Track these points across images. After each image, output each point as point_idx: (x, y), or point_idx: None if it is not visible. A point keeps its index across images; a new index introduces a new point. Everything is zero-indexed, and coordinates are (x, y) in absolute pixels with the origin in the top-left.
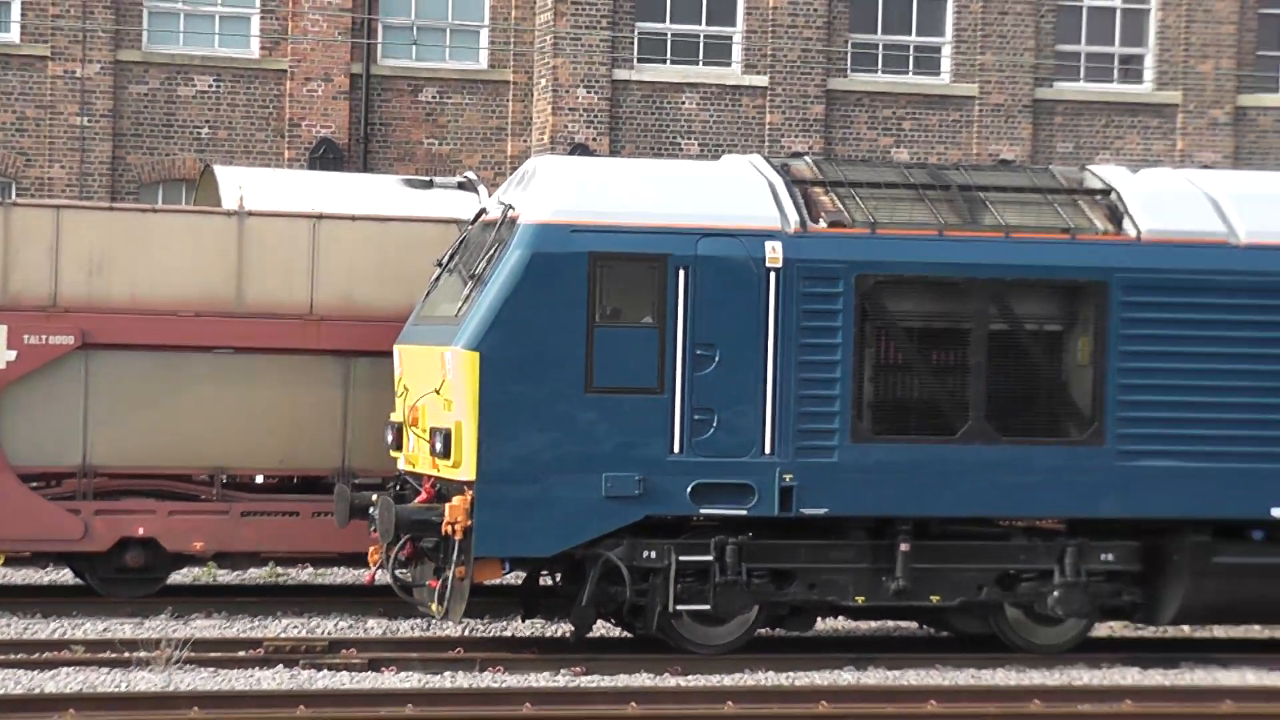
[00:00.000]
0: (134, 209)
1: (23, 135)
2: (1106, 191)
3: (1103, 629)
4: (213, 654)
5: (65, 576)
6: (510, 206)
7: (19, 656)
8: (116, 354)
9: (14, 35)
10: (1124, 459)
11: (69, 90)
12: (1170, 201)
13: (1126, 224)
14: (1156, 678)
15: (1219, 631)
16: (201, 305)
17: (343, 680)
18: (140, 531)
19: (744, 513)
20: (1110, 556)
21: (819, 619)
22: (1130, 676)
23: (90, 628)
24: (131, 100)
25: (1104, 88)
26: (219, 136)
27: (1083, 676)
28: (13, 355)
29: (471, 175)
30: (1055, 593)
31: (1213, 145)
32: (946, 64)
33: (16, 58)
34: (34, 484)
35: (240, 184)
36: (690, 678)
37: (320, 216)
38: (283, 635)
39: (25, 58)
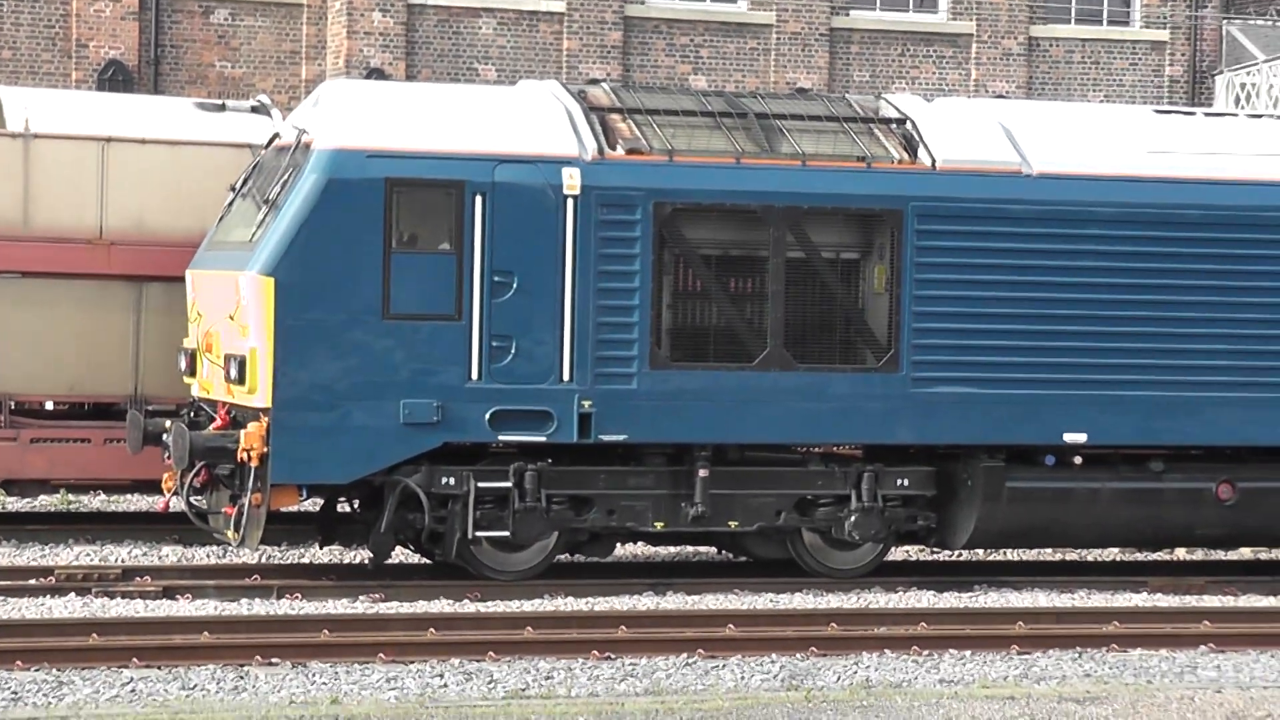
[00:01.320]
0: None
1: None
2: (902, 121)
3: (898, 553)
4: (3, 583)
5: None
6: (304, 131)
7: None
8: None
9: None
10: (919, 386)
11: None
12: (965, 131)
13: (921, 153)
14: (951, 600)
15: (1011, 555)
16: None
17: (137, 608)
18: None
19: (543, 439)
20: (905, 482)
21: (618, 545)
22: (925, 600)
23: None
24: None
25: (900, 17)
26: (3, 57)
27: (879, 600)
28: None
29: (265, 99)
30: (852, 518)
31: (1006, 75)
32: None
33: None
34: None
35: (26, 105)
36: (489, 604)
37: (109, 139)
38: (75, 563)
39: None
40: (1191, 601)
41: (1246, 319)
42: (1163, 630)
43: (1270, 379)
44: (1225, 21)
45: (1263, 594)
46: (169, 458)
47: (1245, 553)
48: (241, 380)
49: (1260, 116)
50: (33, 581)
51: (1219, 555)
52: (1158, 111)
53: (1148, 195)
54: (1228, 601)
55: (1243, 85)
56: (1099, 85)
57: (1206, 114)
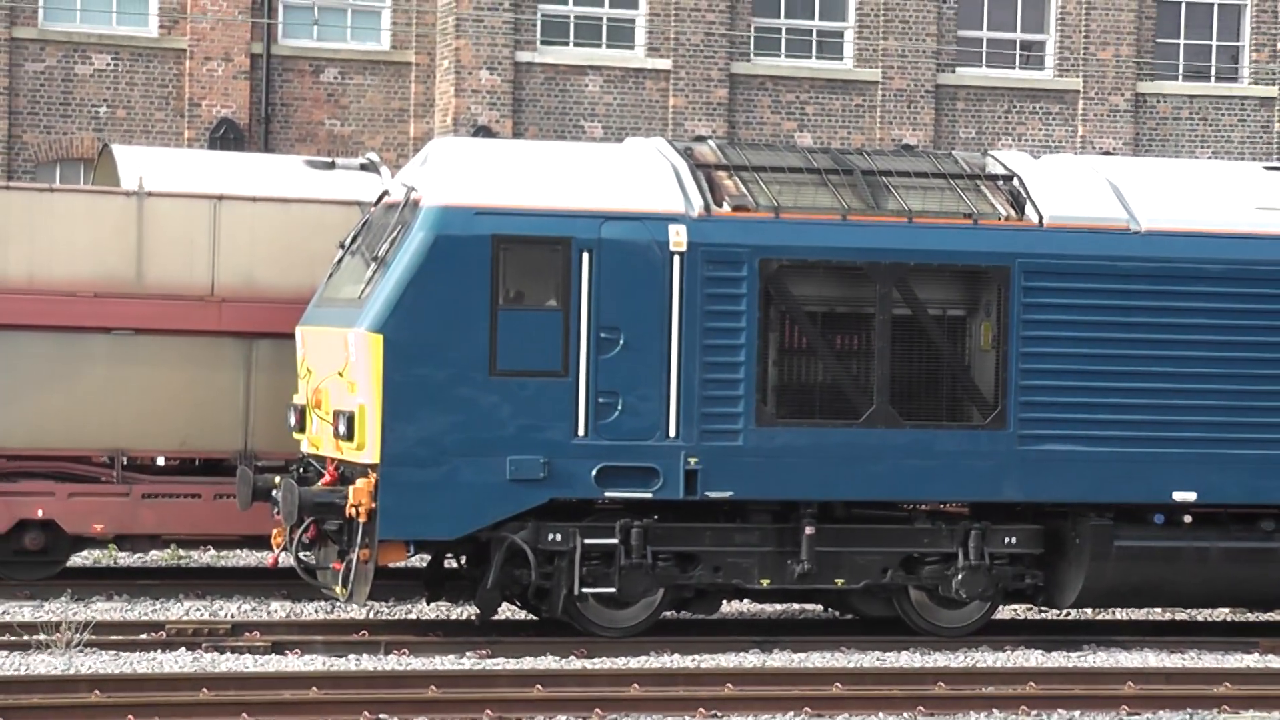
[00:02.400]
0: (31, 188)
1: None
2: (1009, 177)
3: (1006, 611)
4: (114, 637)
5: None
6: (413, 188)
7: None
8: (13, 334)
9: None
10: (1026, 443)
11: None
12: (1072, 187)
13: (1029, 209)
14: (1059, 660)
15: (1120, 614)
16: (100, 286)
17: (246, 663)
18: (39, 514)
19: (649, 496)
20: (1013, 540)
21: (724, 602)
22: (1033, 659)
23: None
24: (28, 78)
25: (1005, 74)
26: (117, 116)
27: (986, 659)
28: None
29: (374, 157)
30: (959, 575)
31: (1113, 132)
32: (849, 49)
33: None
34: None
35: (139, 164)
36: (595, 660)
37: (221, 197)
38: (185, 618)
39: None
40: None
41: None
42: (1275, 692)
43: None
44: None
45: None
46: (278, 513)
47: None
48: (350, 436)
49: None
50: (144, 636)
51: None
52: (1267, 168)
53: (1256, 252)
54: None
55: None
56: (1206, 142)
57: None
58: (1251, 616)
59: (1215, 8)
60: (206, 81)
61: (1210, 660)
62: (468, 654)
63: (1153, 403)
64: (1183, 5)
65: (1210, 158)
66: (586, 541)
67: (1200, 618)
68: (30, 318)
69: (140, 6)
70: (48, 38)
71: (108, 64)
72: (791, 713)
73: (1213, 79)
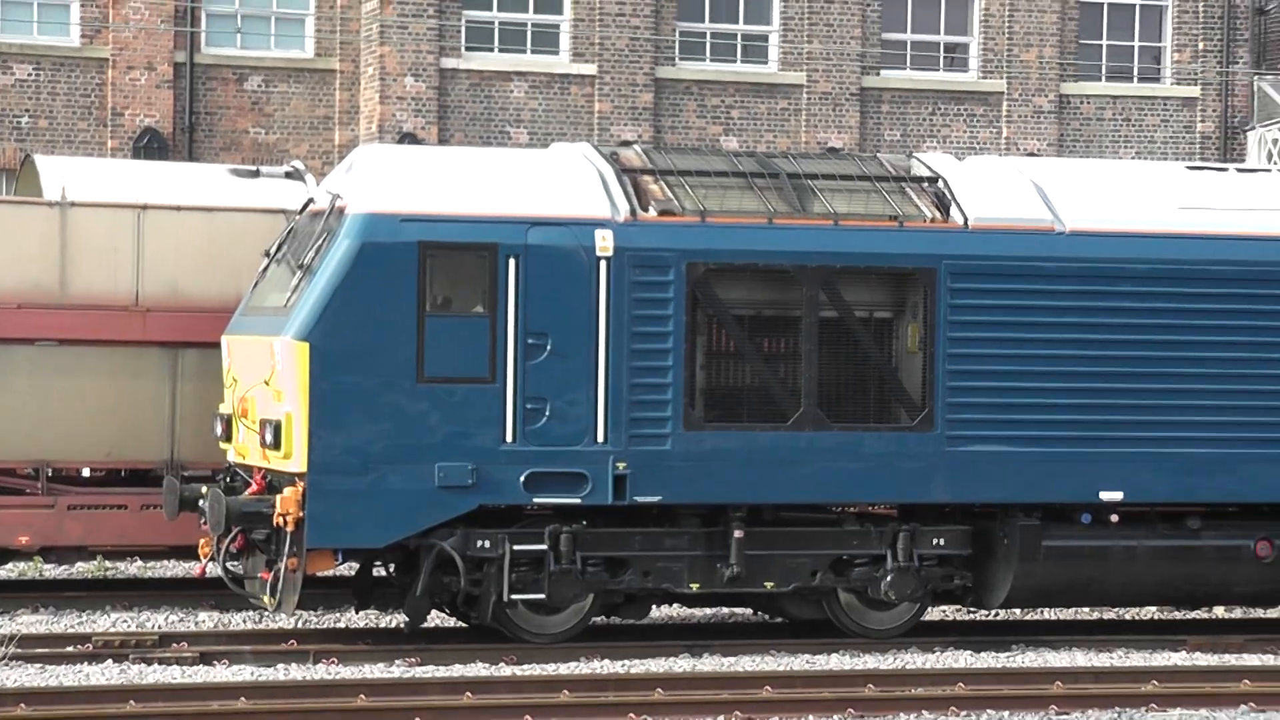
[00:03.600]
0: None
1: None
2: (934, 179)
3: (935, 613)
4: (40, 650)
5: None
6: (338, 196)
7: None
8: None
9: None
10: (954, 444)
11: None
12: (997, 189)
13: (954, 211)
14: (988, 660)
15: (1049, 614)
16: (23, 297)
17: (174, 674)
18: None
19: (578, 501)
20: (941, 541)
21: (654, 606)
22: (963, 660)
23: None
24: None
25: (930, 76)
26: (39, 126)
27: (916, 660)
28: None
29: (299, 164)
30: (888, 577)
31: (1037, 133)
32: (774, 52)
33: None
34: None
35: (62, 174)
36: (525, 667)
37: (145, 207)
38: (112, 630)
39: None
40: (1231, 660)
41: None
42: (1202, 690)
43: None
44: (1256, 77)
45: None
46: (205, 523)
47: None
48: (277, 445)
49: None
50: (70, 649)
51: (1258, 613)
52: (1190, 168)
53: (1181, 251)
54: (1267, 660)
55: (1275, 140)
56: (1130, 142)
57: (1239, 169)
58: (1179, 614)
59: (1137, 9)
60: (129, 91)
61: (1138, 659)
62: (397, 662)
63: (1079, 403)
64: (1105, 6)
65: (1134, 158)
66: (515, 548)
67: (1128, 616)
68: None
69: (62, 16)
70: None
71: (29, 74)
72: (722, 717)
73: (1135, 79)
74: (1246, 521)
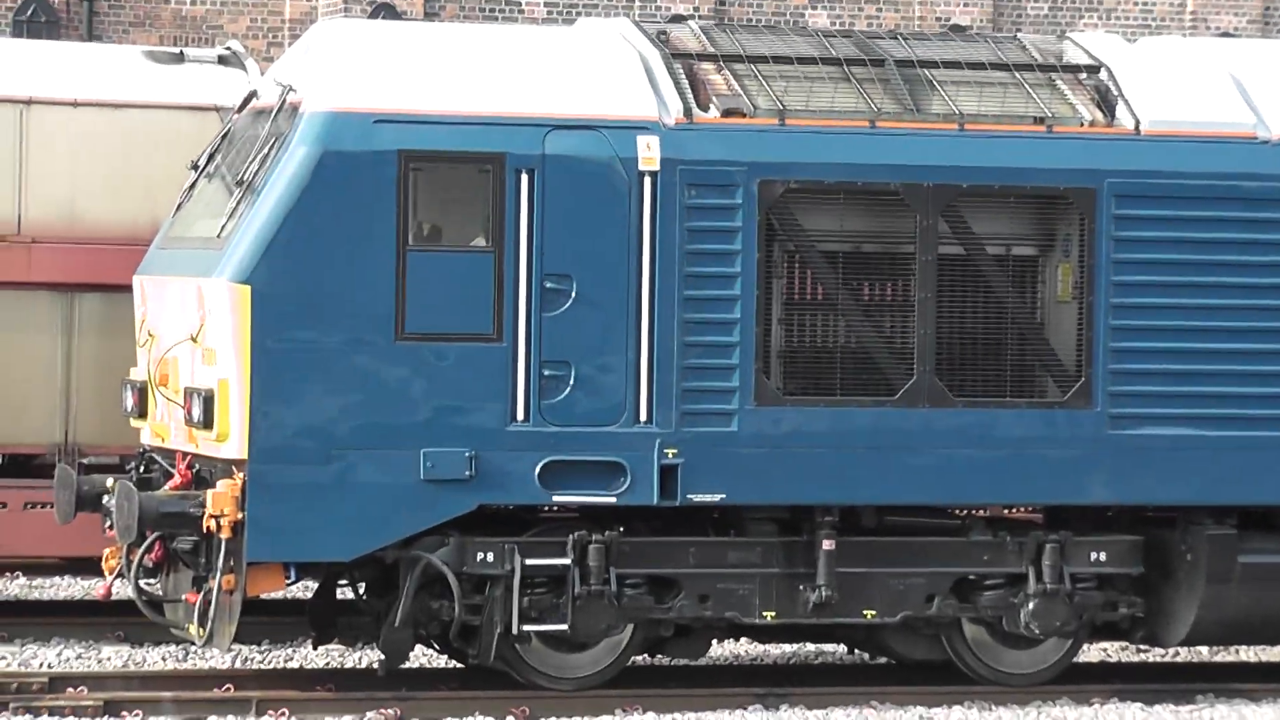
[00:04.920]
0: None
1: None
2: (1095, 69)
3: (1093, 651)
4: None
5: None
6: (291, 88)
7: None
8: None
9: None
10: (1120, 426)
11: None
12: (1180, 83)
13: (1121, 112)
14: (1164, 715)
15: (1245, 654)
16: None
17: None
18: None
19: (612, 500)
20: (1102, 555)
21: (715, 641)
22: (1131, 714)
23: None
24: None
25: None
26: None
27: (1068, 715)
28: None
29: (237, 46)
30: (1029, 605)
31: (1234, 6)
32: None
33: None
34: None
35: None
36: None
37: (30, 101)
38: None
39: None
40: None
41: None
42: None
43: None
44: None
45: None
46: (111, 528)
47: None
48: (208, 423)
49: None
50: None
51: None
52: None
53: None
54: None
55: None
56: None
57: None
58: None
59: None
60: None
61: None
62: (369, 715)
63: None
64: None
65: None
66: (528, 562)
67: None
68: None
69: None
70: None
71: None
72: None
73: None
74: None
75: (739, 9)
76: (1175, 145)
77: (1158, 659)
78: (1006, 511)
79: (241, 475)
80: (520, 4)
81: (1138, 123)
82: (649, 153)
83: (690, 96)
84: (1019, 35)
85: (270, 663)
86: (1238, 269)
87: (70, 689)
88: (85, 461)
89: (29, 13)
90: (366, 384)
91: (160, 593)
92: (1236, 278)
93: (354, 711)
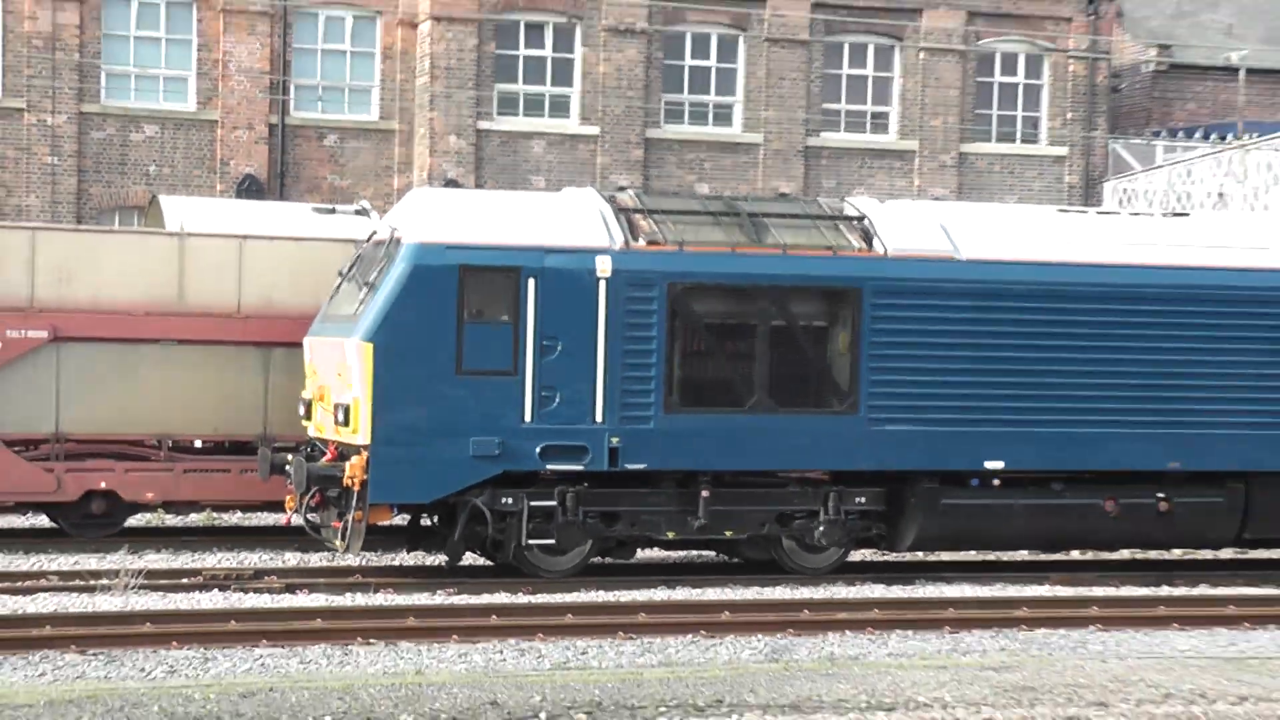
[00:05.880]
0: (94, 230)
1: (3, 172)
2: (860, 218)
3: (856, 555)
4: (162, 581)
5: (42, 520)
6: (396, 229)
7: (4, 585)
8: (82, 345)
9: None
10: (874, 425)
11: (41, 136)
12: (909, 226)
13: (876, 243)
14: (897, 592)
15: (945, 556)
16: (150, 306)
17: (265, 601)
18: (102, 485)
19: (580, 468)
20: (862, 499)
21: (639, 550)
22: (878, 591)
23: (63, 561)
24: (92, 144)
25: (859, 137)
26: (164, 173)
27: (841, 591)
28: None
29: (366, 204)
30: (820, 528)
31: (941, 183)
32: (738, 118)
33: None
34: (16, 448)
35: (181, 211)
36: (539, 596)
37: (245, 237)
38: (217, 566)
39: (4, 109)
40: (1083, 591)
41: (1126, 371)
42: (1061, 614)
43: (1143, 418)
44: (1110, 140)
45: (1139, 585)
46: (291, 483)
47: (1125, 553)
48: (347, 423)
49: (1138, 214)
50: (184, 580)
51: (1105, 555)
52: (1059, 211)
53: (1051, 275)
54: (1111, 591)
55: (1125, 190)
56: (1014, 190)
57: (1098, 212)
58: (1044, 557)
59: (1020, 86)
60: (234, 145)
61: (1012, 590)
62: (439, 592)
63: (971, 392)
64: (995, 84)
65: (1016, 202)
66: (532, 504)
67: (1005, 558)
68: (95, 331)
69: (181, 87)
70: (109, 112)
71: (155, 133)
72: (690, 634)
73: (1018, 141)
74: (1098, 485)
75: (657, 182)
76: (907, 262)
77: (894, 559)
78: (808, 474)
79: (366, 453)
80: (530, 181)
81: (885, 249)
82: (604, 267)
83: (628, 234)
84: (817, 199)
85: (382, 562)
86: (942, 334)
87: (266, 577)
88: (276, 445)
89: (246, 185)
90: (439, 400)
91: (319, 521)
92: (942, 339)
93: (430, 590)
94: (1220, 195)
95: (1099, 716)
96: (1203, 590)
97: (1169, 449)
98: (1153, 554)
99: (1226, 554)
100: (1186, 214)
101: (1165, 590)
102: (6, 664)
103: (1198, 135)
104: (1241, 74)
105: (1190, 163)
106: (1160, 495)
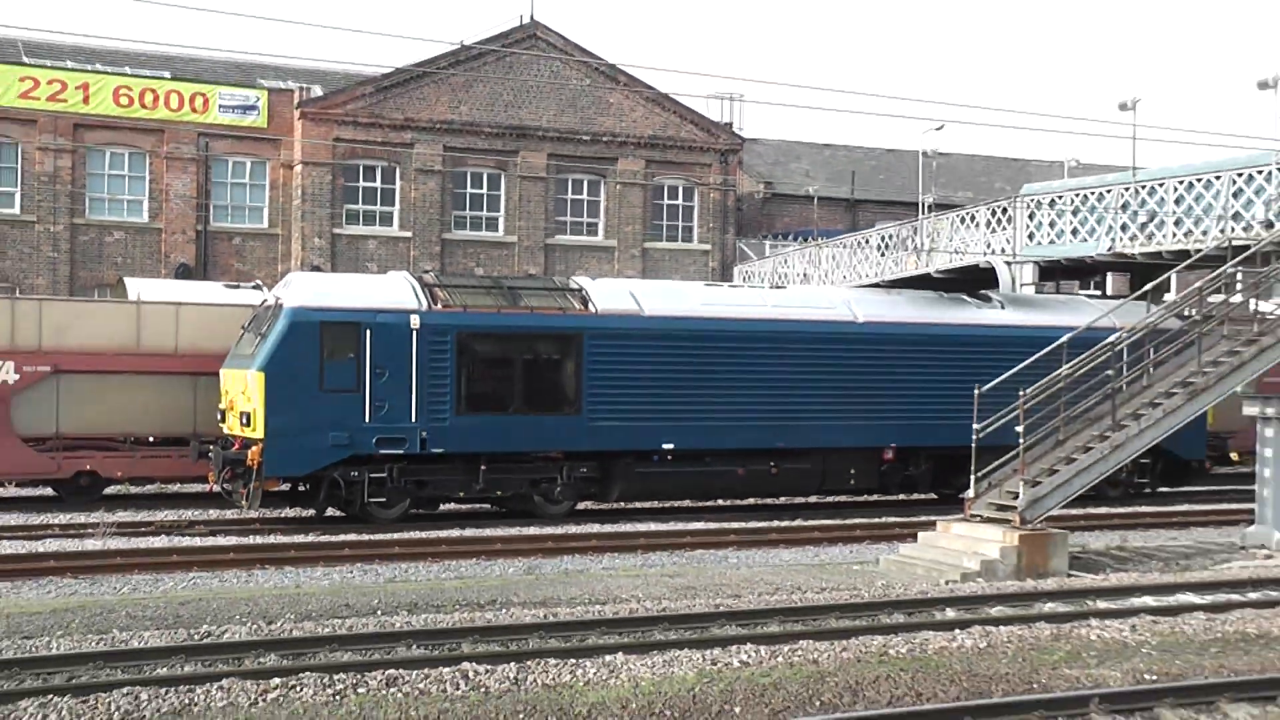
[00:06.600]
0: (81, 300)
1: (20, 262)
2: (580, 289)
3: (582, 506)
4: (127, 530)
5: (47, 491)
6: (280, 298)
7: (21, 533)
8: (73, 375)
9: (16, 209)
10: (591, 421)
11: (46, 238)
12: (612, 294)
13: (590, 305)
14: (609, 528)
15: (638, 505)
16: (117, 349)
17: (195, 541)
18: (87, 467)
19: (401, 451)
20: (584, 469)
21: (440, 504)
22: (595, 528)
23: (61, 518)
24: (80, 244)
25: (579, 238)
26: (127, 263)
27: (573, 529)
28: (17, 376)
29: (259, 282)
30: (559, 488)
31: (631, 267)
32: (502, 225)
33: (14, 222)
34: (29, 443)
35: (139, 287)
36: (376, 534)
37: (180, 304)
38: (164, 520)
39: (22, 221)
40: (725, 525)
41: (748, 384)
42: (711, 540)
43: (759, 414)
44: (737, 240)
45: (759, 521)
46: (212, 464)
47: (751, 501)
48: (249, 424)
49: (755, 287)
50: (142, 529)
51: (738, 502)
52: (705, 284)
53: (700, 325)
54: (742, 524)
55: (746, 272)
56: (677, 271)
57: (729, 286)
58: (700, 504)
59: (680, 206)
60: (173, 244)
61: (679, 525)
62: (310, 534)
63: (652, 399)
64: (665, 205)
65: (678, 279)
66: (370, 475)
67: (678, 505)
68: (82, 366)
69: (139, 206)
70: (91, 223)
71: (122, 236)
72: (475, 559)
73: (680, 241)
74: (732, 458)
75: (450, 267)
76: (610, 316)
77: (607, 508)
78: (550, 454)
79: (261, 444)
80: (368, 267)
81: (596, 309)
82: (415, 321)
83: (430, 300)
84: (553, 277)
85: (273, 515)
86: (632, 361)
87: (196, 525)
88: (202, 439)
89: (181, 270)
90: (309, 408)
91: (231, 489)
92: (631, 364)
93: (303, 531)
94: (804, 275)
95: (735, 603)
96: (799, 522)
97: (776, 434)
98: (768, 501)
99: (813, 500)
100: (783, 287)
101: (775, 523)
102: (24, 586)
103: (790, 237)
104: (815, 201)
105: (785, 255)
106: (772, 464)
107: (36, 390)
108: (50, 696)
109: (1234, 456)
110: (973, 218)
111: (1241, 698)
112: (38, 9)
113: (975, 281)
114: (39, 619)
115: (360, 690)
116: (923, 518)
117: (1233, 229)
